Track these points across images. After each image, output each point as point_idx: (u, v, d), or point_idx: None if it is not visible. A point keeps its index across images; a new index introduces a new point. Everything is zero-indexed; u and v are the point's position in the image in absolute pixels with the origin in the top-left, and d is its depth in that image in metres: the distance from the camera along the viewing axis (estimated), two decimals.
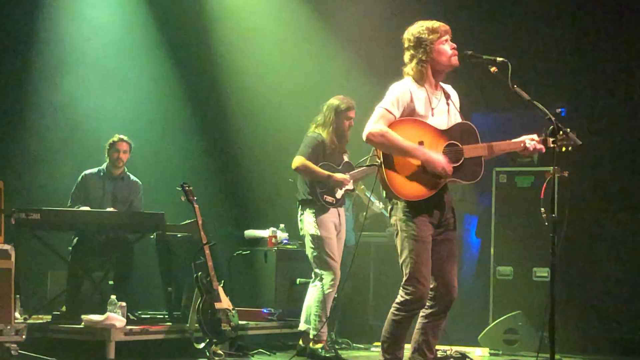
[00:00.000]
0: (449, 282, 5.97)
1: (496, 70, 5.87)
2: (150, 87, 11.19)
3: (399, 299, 5.90)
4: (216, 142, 11.58)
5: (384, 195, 6.02)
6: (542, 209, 5.97)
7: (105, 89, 10.90)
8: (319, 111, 8.56)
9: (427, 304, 5.96)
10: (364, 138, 5.84)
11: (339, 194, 8.37)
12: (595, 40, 10.30)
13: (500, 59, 5.85)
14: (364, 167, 8.14)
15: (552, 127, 5.64)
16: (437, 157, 5.82)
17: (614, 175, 10.05)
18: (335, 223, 8.45)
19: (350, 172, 8.42)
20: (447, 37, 5.98)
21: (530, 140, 5.94)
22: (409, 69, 6.02)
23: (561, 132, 5.66)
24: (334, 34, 11.08)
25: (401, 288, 5.90)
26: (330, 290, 8.31)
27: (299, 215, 8.54)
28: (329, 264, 8.32)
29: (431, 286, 5.96)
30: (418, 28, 5.98)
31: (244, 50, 11.21)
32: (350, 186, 8.44)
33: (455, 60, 5.96)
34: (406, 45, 6.02)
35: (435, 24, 5.98)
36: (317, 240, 8.36)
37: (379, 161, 5.86)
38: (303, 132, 8.55)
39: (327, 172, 8.31)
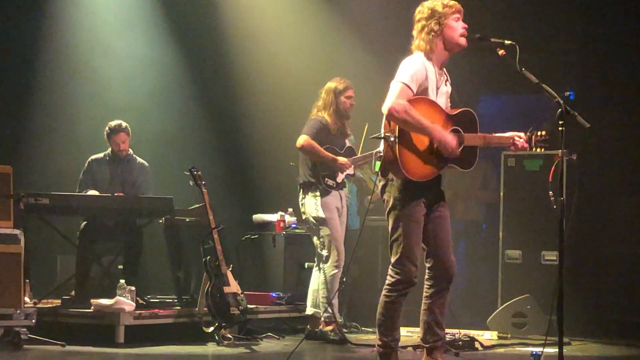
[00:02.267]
0: (447, 259, 6.00)
1: (504, 53, 5.87)
2: (158, 72, 11.18)
3: (389, 279, 5.93)
4: (224, 126, 11.57)
5: (379, 171, 5.97)
6: (551, 192, 5.96)
7: (113, 74, 10.90)
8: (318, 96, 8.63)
9: (428, 283, 6.01)
10: (385, 112, 5.75)
11: (340, 177, 8.43)
12: (604, 23, 10.27)
13: (509, 42, 5.85)
14: (366, 154, 8.24)
15: (560, 110, 5.63)
16: (451, 138, 5.84)
17: (622, 158, 10.03)
18: (338, 206, 8.52)
19: (352, 157, 8.47)
20: (459, 15, 5.98)
21: (518, 138, 6.03)
22: (419, 41, 5.99)
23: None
24: (341, 17, 11.05)
25: (390, 268, 5.93)
26: (336, 271, 8.37)
27: (300, 198, 8.59)
28: (332, 246, 8.37)
29: (429, 265, 6.00)
30: (433, 1, 5.99)
31: (251, 34, 11.19)
32: (350, 171, 8.49)
33: (463, 40, 5.96)
34: (418, 17, 6.02)
35: (450, 1, 5.98)
36: (321, 222, 8.40)
37: (393, 137, 5.82)
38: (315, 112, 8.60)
39: (332, 155, 8.36)
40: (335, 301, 8.48)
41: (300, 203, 8.62)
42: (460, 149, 5.89)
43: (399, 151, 5.78)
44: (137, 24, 11.11)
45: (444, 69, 6.11)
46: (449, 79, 6.14)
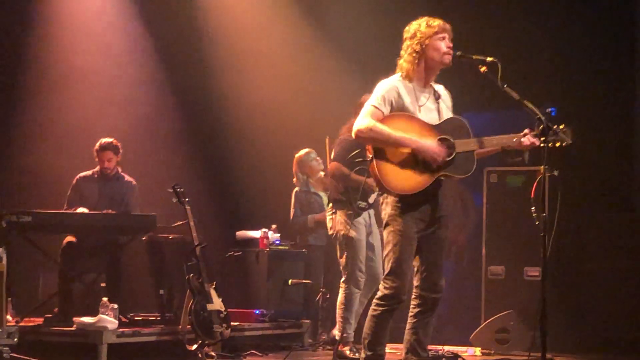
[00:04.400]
0: (435, 282, 6.03)
1: (486, 70, 5.90)
2: (140, 89, 11.17)
3: (378, 294, 5.97)
4: (207, 143, 11.56)
5: (378, 189, 6.06)
6: (533, 208, 5.98)
7: (96, 91, 10.88)
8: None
9: (414, 302, 6.03)
10: (354, 135, 5.93)
11: (372, 198, 8.24)
12: (586, 40, 10.31)
13: (490, 58, 5.89)
14: None
15: (542, 126, 5.66)
16: (428, 143, 5.86)
17: (604, 174, 10.06)
18: (366, 224, 8.46)
19: None
20: (445, 35, 6.03)
21: (523, 136, 5.98)
22: (402, 60, 6.06)
23: (552, 131, 5.71)
24: (326, 35, 11.08)
25: (382, 282, 5.97)
26: (356, 291, 8.32)
27: (329, 212, 8.55)
28: (357, 267, 8.32)
29: (417, 284, 6.04)
30: (418, 21, 6.06)
31: (234, 50, 11.20)
32: None
33: (447, 58, 6.00)
34: (404, 36, 6.09)
35: (435, 20, 6.05)
36: (348, 242, 8.34)
37: (370, 156, 5.88)
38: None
39: (361, 177, 7.99)
40: (353, 321, 8.40)
41: (328, 217, 8.58)
42: (452, 156, 5.90)
43: (378, 169, 5.85)
44: (120, 44, 11.12)
45: (436, 88, 6.14)
46: (442, 95, 6.17)
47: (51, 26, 10.80)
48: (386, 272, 5.93)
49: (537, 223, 5.70)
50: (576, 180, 9.56)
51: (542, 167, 5.61)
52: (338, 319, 8.38)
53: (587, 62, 10.28)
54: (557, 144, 5.82)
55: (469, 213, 10.64)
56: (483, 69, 5.92)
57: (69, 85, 10.77)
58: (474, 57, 5.97)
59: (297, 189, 10.03)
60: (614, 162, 10.12)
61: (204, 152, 11.52)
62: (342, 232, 8.39)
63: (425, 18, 6.06)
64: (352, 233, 8.31)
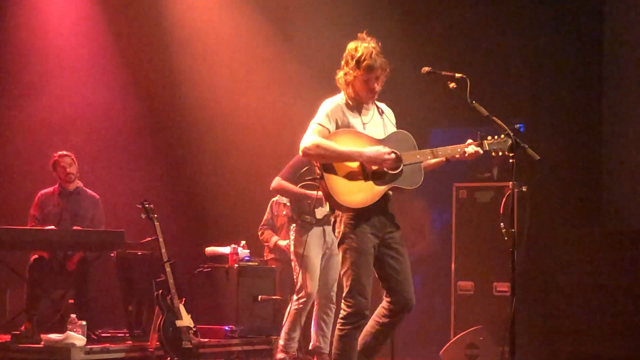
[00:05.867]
0: (407, 297, 6.04)
1: (455, 86, 5.92)
2: (108, 103, 11.13)
3: (341, 313, 5.98)
4: (176, 158, 11.53)
5: (328, 207, 6.05)
6: (502, 224, 6.00)
7: (62, 105, 10.83)
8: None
9: (386, 314, 6.04)
10: (300, 153, 5.94)
11: (320, 212, 8.30)
12: (554, 55, 10.37)
13: (459, 74, 5.91)
14: None
15: (510, 142, 5.69)
16: (375, 148, 5.90)
17: (574, 189, 10.11)
18: (321, 242, 8.43)
19: None
20: (370, 77, 6.00)
21: (467, 146, 6.03)
22: (339, 79, 6.10)
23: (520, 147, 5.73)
24: (294, 51, 11.08)
25: (343, 301, 5.97)
26: (301, 307, 8.32)
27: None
28: (305, 283, 8.33)
29: (389, 300, 6.02)
30: (355, 46, 6.04)
31: (204, 65, 11.19)
32: None
33: (367, 98, 6.06)
34: (344, 53, 6.10)
35: (366, 59, 5.98)
36: (297, 257, 8.38)
37: (320, 173, 5.90)
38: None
39: (302, 191, 8.26)
40: (297, 334, 8.45)
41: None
42: (399, 169, 5.92)
43: (328, 185, 5.87)
44: (88, 56, 11.08)
45: (378, 105, 6.18)
46: (386, 112, 6.21)
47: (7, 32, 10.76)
48: (347, 290, 5.92)
49: (506, 239, 5.71)
50: (545, 196, 9.61)
51: (511, 182, 5.62)
52: (282, 330, 8.43)
53: (555, 77, 10.34)
54: (500, 153, 5.88)
55: (424, 234, 10.69)
56: (452, 85, 5.94)
57: (27, 99, 10.72)
58: (443, 73, 5.99)
59: (275, 198, 10.01)
60: (583, 177, 10.17)
61: (173, 168, 11.49)
62: (292, 249, 8.48)
63: (363, 47, 6.00)
64: (300, 249, 8.31)
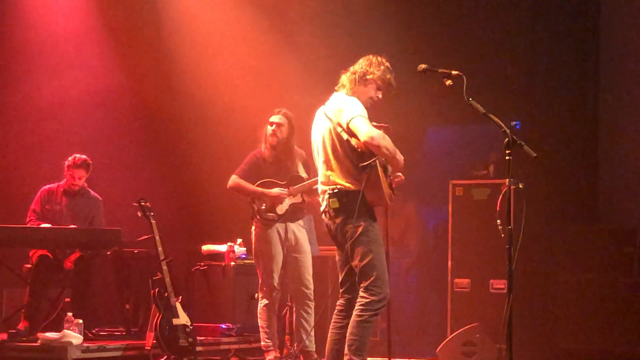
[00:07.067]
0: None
1: (451, 83, 5.92)
2: (104, 102, 11.11)
3: (362, 300, 6.05)
4: (172, 156, 11.52)
5: (338, 204, 6.14)
6: (498, 221, 6.01)
7: (60, 103, 10.82)
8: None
9: (344, 314, 6.21)
10: (370, 141, 5.96)
11: (282, 209, 8.34)
12: (550, 53, 10.39)
13: (455, 72, 5.91)
14: (311, 180, 8.14)
15: (507, 139, 5.69)
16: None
17: (570, 186, 10.13)
18: (280, 238, 8.41)
19: (295, 186, 8.36)
20: (383, 91, 6.35)
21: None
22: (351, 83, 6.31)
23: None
24: (294, 51, 11.07)
25: (364, 289, 6.06)
26: (266, 302, 8.34)
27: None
28: (263, 278, 8.35)
29: (349, 297, 6.24)
30: (386, 62, 6.35)
31: (200, 61, 11.17)
32: (297, 199, 8.38)
33: (366, 103, 6.26)
34: (361, 69, 6.31)
35: (393, 79, 6.32)
36: (256, 253, 8.43)
37: (380, 165, 6.09)
38: (260, 147, 8.56)
39: (260, 190, 8.29)
40: (274, 327, 8.45)
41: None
42: None
43: (381, 177, 6.06)
44: (84, 54, 11.05)
45: None
46: None
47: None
48: (372, 279, 6.03)
49: (502, 236, 5.71)
50: (542, 193, 9.62)
51: (508, 180, 5.63)
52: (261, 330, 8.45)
53: (552, 75, 10.36)
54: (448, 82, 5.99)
55: (412, 232, 10.72)
56: (448, 82, 5.94)
57: (26, 98, 10.71)
58: (440, 70, 6.00)
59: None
60: (579, 174, 10.18)
61: (170, 166, 11.46)
62: (253, 245, 8.49)
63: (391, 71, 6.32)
64: (259, 246, 8.38)
